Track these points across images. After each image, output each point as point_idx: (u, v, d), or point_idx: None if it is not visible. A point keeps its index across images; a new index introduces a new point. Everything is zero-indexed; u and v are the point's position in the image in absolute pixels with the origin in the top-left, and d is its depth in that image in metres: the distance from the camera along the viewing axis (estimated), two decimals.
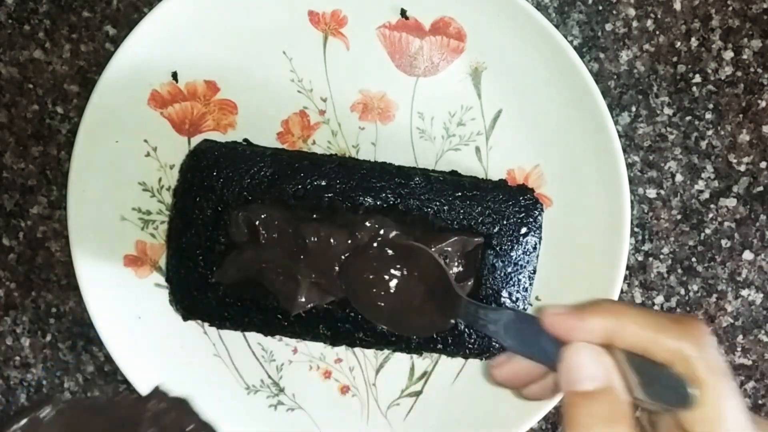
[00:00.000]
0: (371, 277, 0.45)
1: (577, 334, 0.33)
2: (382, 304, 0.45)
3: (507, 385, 0.38)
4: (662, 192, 0.54)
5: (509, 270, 0.49)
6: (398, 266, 0.45)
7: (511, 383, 0.38)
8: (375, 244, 0.45)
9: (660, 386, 0.32)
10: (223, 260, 0.49)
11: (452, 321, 0.40)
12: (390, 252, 0.45)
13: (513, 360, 0.37)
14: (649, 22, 0.53)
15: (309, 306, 0.47)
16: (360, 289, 0.45)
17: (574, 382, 0.33)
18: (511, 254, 0.49)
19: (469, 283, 0.49)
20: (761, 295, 0.55)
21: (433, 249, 0.46)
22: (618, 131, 0.51)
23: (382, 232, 0.47)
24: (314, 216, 0.48)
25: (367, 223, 0.47)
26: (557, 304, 0.35)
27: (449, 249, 0.48)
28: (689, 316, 0.33)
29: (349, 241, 0.47)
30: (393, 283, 0.45)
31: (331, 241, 0.46)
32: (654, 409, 0.34)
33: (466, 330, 0.49)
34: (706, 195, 0.54)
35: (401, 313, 0.44)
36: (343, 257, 0.46)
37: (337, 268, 0.46)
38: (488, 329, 0.37)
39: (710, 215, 0.54)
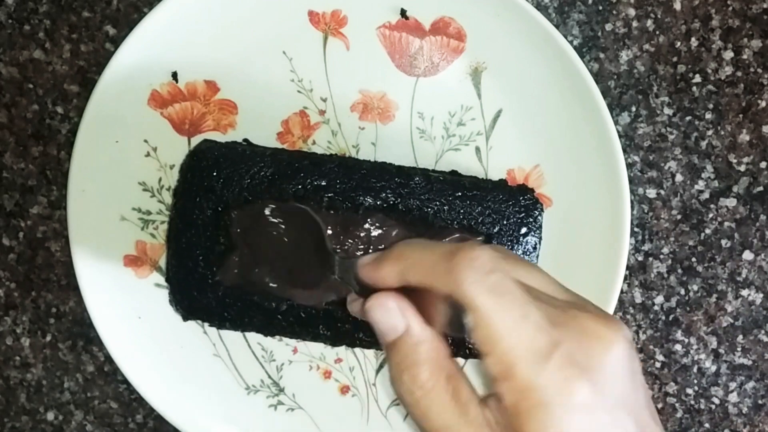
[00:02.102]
0: (266, 240, 0.47)
1: (380, 280, 0.35)
2: (277, 265, 0.47)
3: (358, 316, 0.40)
4: (662, 192, 0.54)
5: None
6: (286, 228, 0.47)
7: (359, 315, 0.40)
8: (267, 212, 0.47)
9: (455, 316, 0.33)
10: (224, 260, 0.49)
11: (328, 276, 0.42)
12: (277, 217, 0.47)
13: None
14: (649, 22, 0.53)
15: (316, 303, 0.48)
16: (260, 255, 0.47)
17: (379, 337, 0.34)
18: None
19: None
20: (761, 295, 0.55)
21: None
22: (618, 131, 0.51)
23: (383, 230, 0.47)
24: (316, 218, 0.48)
25: (368, 222, 0.47)
26: (370, 255, 0.37)
27: None
28: (465, 244, 0.33)
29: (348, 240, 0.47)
30: (283, 244, 0.47)
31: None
32: (457, 337, 0.34)
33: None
34: (706, 195, 0.54)
35: (291, 274, 0.46)
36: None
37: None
38: (345, 278, 0.40)
39: (710, 215, 0.54)
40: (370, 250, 0.48)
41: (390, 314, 0.34)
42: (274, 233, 0.46)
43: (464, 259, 0.32)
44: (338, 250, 0.43)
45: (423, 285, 0.33)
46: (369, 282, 0.36)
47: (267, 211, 0.46)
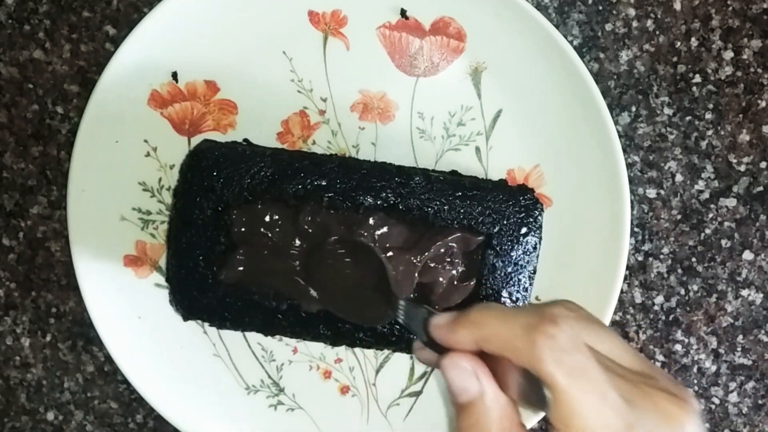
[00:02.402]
0: (328, 269, 0.47)
1: (454, 344, 0.35)
2: (337, 294, 0.47)
3: (430, 365, 0.40)
4: (662, 192, 0.54)
5: (509, 270, 0.49)
6: (350, 261, 0.47)
7: (430, 365, 0.40)
8: (330, 240, 0.47)
9: (530, 387, 0.33)
10: (226, 259, 0.49)
11: (389, 314, 0.42)
12: (342, 249, 0.47)
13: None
14: (649, 22, 0.53)
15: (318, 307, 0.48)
16: (319, 281, 0.48)
17: (451, 396, 0.35)
18: (511, 254, 0.49)
19: (472, 283, 0.49)
20: (761, 295, 0.55)
21: (437, 244, 0.48)
22: (618, 131, 0.51)
23: (386, 232, 0.48)
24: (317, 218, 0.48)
25: (370, 222, 0.47)
26: (443, 314, 0.37)
27: (453, 245, 0.48)
28: (543, 316, 0.33)
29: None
30: (346, 276, 0.47)
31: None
32: (528, 409, 0.35)
33: None
34: (706, 195, 0.54)
35: (351, 303, 0.46)
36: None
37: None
38: (411, 326, 0.40)
39: (710, 215, 0.54)
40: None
41: (465, 376, 0.34)
42: (336, 265, 0.47)
43: (544, 336, 0.32)
44: (401, 295, 0.43)
45: (499, 355, 0.34)
46: (442, 342, 0.36)
47: (330, 240, 0.47)
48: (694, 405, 0.33)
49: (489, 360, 0.35)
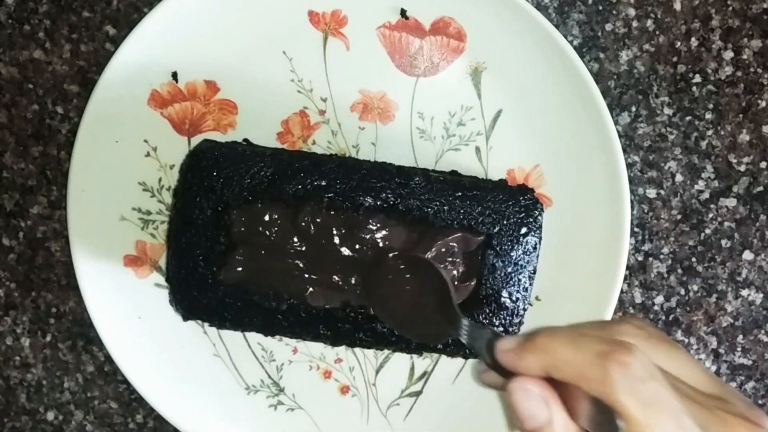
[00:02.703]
0: (388, 286, 0.47)
1: (522, 370, 0.35)
2: (397, 311, 0.46)
3: (494, 388, 0.40)
4: (662, 192, 0.54)
5: (509, 270, 0.49)
6: (411, 277, 0.47)
7: (495, 388, 0.40)
8: (391, 255, 0.47)
9: (602, 417, 0.33)
10: (226, 259, 0.48)
11: (451, 333, 0.41)
12: (403, 264, 0.47)
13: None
14: (649, 22, 0.53)
15: (325, 306, 0.48)
16: (379, 298, 0.47)
17: (518, 421, 0.34)
18: (511, 254, 0.49)
19: (472, 283, 0.49)
20: (761, 295, 0.55)
21: (438, 243, 0.48)
22: (618, 131, 0.51)
23: (386, 232, 0.48)
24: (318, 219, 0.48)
25: (370, 222, 0.47)
26: (510, 337, 0.36)
27: (454, 245, 0.48)
28: (615, 342, 0.32)
29: (356, 245, 0.47)
30: (406, 292, 0.46)
31: (335, 240, 0.48)
32: None
33: None
34: (706, 195, 0.54)
35: (412, 320, 0.46)
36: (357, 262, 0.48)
37: (353, 276, 0.49)
38: (474, 346, 0.39)
39: (710, 215, 0.54)
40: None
41: (535, 402, 0.34)
42: (396, 282, 0.47)
43: (617, 365, 0.31)
44: (465, 315, 0.43)
45: (568, 381, 0.33)
46: (508, 367, 0.35)
47: (390, 255, 0.47)
48: None
49: (557, 386, 0.34)
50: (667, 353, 0.34)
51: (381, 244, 0.48)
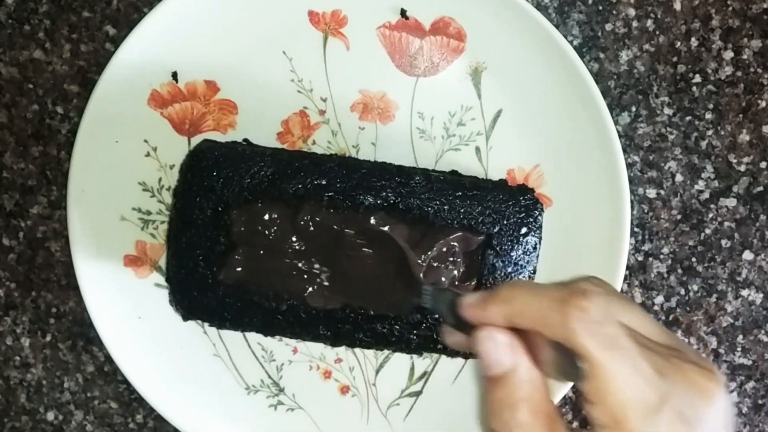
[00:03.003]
0: (349, 262, 0.48)
1: (485, 321, 0.35)
2: (360, 286, 0.48)
3: (458, 348, 0.40)
4: (662, 192, 0.54)
5: (509, 270, 0.49)
6: (370, 251, 0.48)
7: (460, 348, 0.41)
8: (352, 231, 0.48)
9: (563, 360, 0.33)
10: (226, 259, 0.48)
11: (414, 301, 0.42)
12: (362, 239, 0.48)
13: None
14: (649, 22, 0.53)
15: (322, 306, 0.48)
16: (340, 277, 0.48)
17: (483, 368, 0.35)
18: (511, 254, 0.49)
19: (473, 283, 0.49)
20: (761, 295, 0.55)
21: (440, 242, 0.48)
22: (618, 131, 0.51)
23: (385, 229, 0.48)
24: (317, 218, 0.48)
25: (371, 221, 0.47)
26: (472, 293, 0.37)
27: (454, 245, 0.48)
28: (573, 290, 0.33)
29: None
30: (367, 266, 0.48)
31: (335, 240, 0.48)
32: (563, 382, 0.35)
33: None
34: (706, 195, 0.54)
35: (376, 292, 0.47)
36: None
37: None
38: (437, 309, 0.40)
39: (710, 215, 0.54)
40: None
41: (499, 349, 0.34)
42: (356, 257, 0.48)
43: (576, 309, 0.32)
44: (426, 281, 0.43)
45: (531, 330, 0.34)
46: (472, 321, 0.36)
47: (349, 232, 0.48)
48: (721, 377, 0.33)
49: (521, 336, 0.35)
50: (624, 308, 0.35)
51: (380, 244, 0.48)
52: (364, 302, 0.48)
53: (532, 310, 0.33)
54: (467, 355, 0.50)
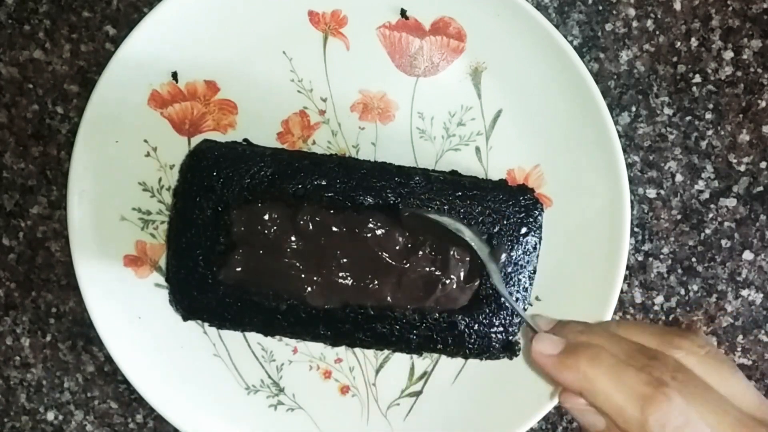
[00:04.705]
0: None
1: (558, 380, 0.38)
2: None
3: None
4: (662, 192, 0.54)
5: (509, 270, 0.49)
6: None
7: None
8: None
9: None
10: (226, 259, 0.48)
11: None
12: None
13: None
14: (649, 22, 0.53)
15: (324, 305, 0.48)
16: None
17: (583, 429, 0.38)
18: (511, 254, 0.49)
19: (476, 283, 0.49)
20: (761, 295, 0.55)
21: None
22: (618, 131, 0.51)
23: (386, 229, 0.48)
24: (317, 218, 0.48)
25: (370, 222, 0.47)
26: (547, 338, 0.38)
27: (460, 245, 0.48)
28: (660, 383, 0.34)
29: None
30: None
31: (335, 240, 0.47)
32: None
33: (466, 330, 0.49)
34: (706, 195, 0.54)
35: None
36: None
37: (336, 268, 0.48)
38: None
39: (710, 215, 0.54)
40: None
41: (589, 414, 0.37)
42: None
43: (658, 414, 0.33)
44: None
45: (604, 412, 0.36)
46: (543, 371, 0.38)
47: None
48: None
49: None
50: (720, 373, 0.36)
51: (381, 243, 0.48)
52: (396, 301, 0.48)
53: (611, 399, 0.35)
54: (467, 354, 0.50)
